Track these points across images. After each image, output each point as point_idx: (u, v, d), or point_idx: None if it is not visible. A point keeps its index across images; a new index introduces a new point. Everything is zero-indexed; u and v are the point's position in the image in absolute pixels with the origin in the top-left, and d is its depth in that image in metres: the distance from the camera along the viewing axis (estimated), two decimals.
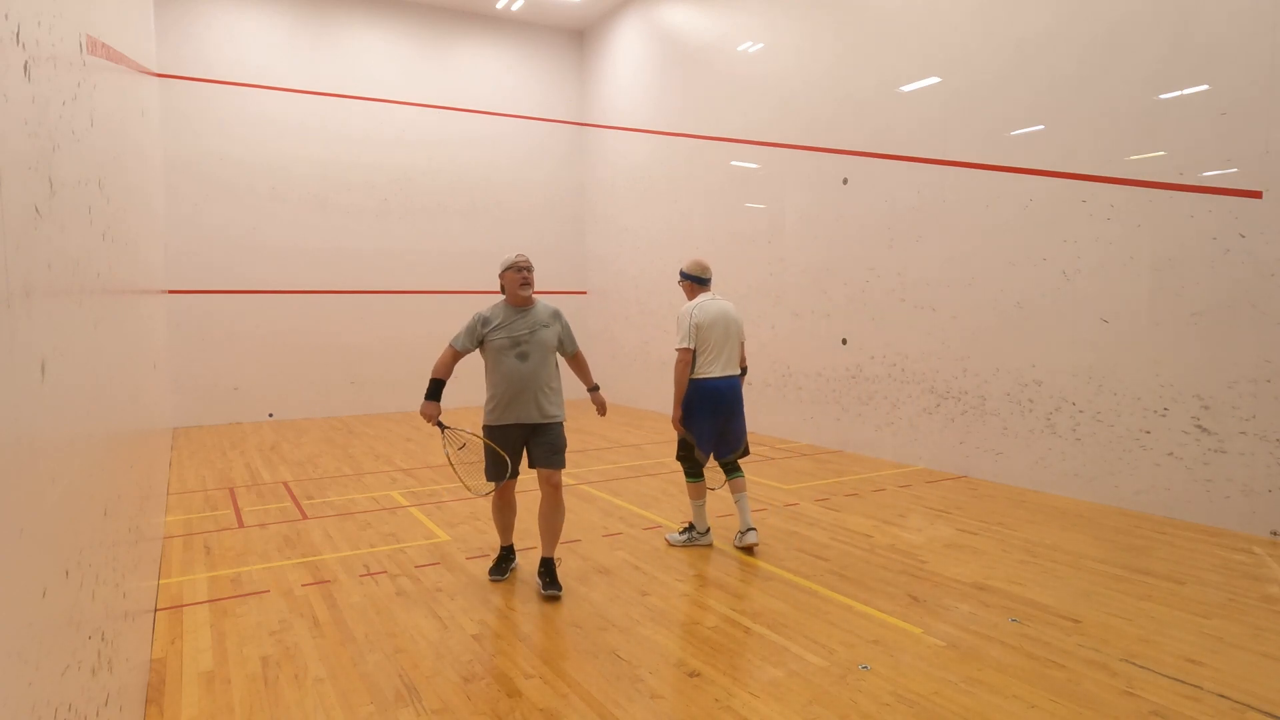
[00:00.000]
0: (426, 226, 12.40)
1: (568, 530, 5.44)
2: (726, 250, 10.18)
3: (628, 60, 12.28)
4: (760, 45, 9.46)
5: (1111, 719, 2.86)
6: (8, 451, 1.13)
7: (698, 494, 5.04)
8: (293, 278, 11.46)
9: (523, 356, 4.20)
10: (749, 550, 4.92)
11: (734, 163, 10.03)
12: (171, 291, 10.48)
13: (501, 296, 4.40)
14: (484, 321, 4.26)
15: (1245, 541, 5.01)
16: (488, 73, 12.79)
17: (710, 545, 5.08)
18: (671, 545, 5.09)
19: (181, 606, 4.10)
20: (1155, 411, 5.65)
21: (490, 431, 4.30)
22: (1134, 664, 3.30)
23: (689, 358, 4.88)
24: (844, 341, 8.41)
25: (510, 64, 12.98)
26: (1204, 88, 5.33)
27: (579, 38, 13.58)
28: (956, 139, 7.04)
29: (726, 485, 5.14)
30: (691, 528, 5.10)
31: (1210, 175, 5.32)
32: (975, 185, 6.89)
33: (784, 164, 9.13)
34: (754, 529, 4.94)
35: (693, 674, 3.26)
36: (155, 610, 4.04)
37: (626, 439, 9.36)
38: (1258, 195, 5.08)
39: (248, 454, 8.61)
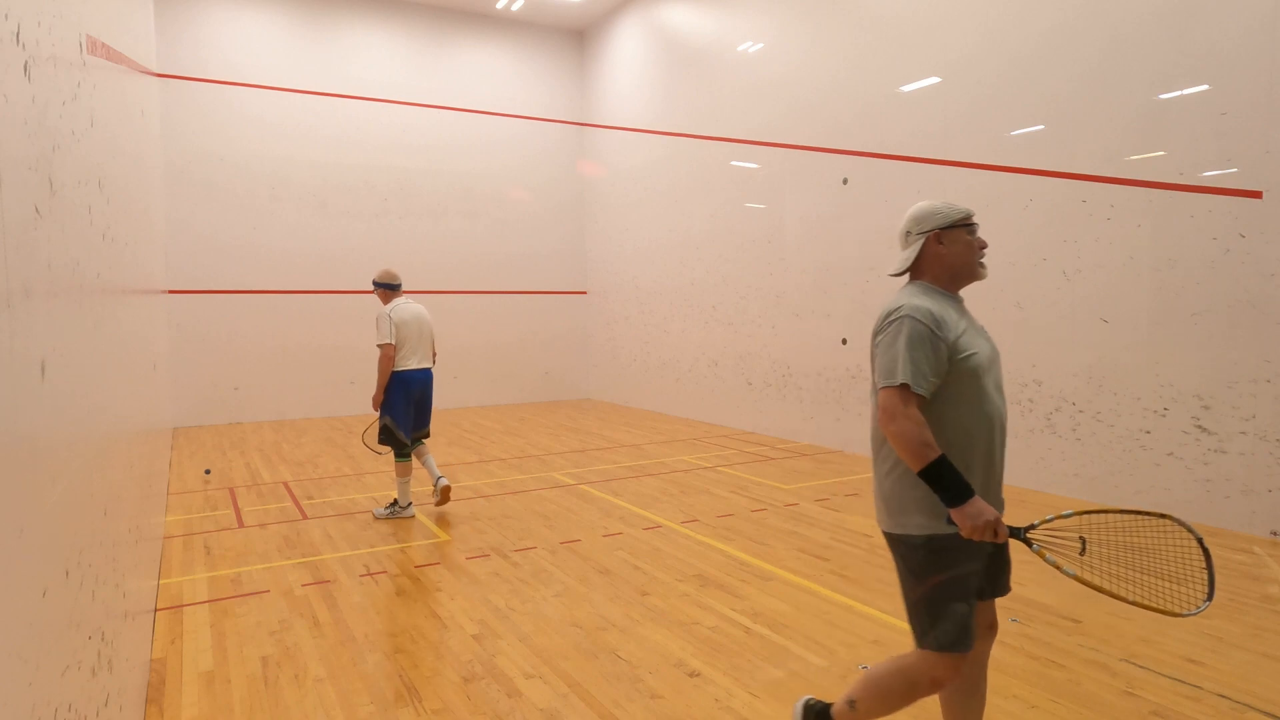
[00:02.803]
0: (426, 227, 12.40)
1: (568, 530, 5.45)
2: (726, 250, 10.18)
3: (628, 60, 12.28)
4: (760, 45, 9.46)
5: (1112, 719, 2.86)
6: (8, 451, 1.13)
7: (404, 472, 5.81)
8: (293, 278, 11.46)
9: (999, 387, 2.30)
10: (446, 494, 5.81)
11: (734, 163, 10.03)
12: (171, 292, 10.48)
13: (897, 281, 2.46)
14: (937, 323, 2.18)
15: (1245, 541, 5.01)
16: (488, 73, 12.79)
17: (412, 517, 5.82)
18: (378, 519, 5.80)
19: (181, 606, 4.10)
20: (1155, 411, 5.64)
21: (960, 544, 2.17)
22: (1134, 664, 3.30)
23: (392, 352, 5.67)
24: (844, 341, 8.41)
25: (510, 64, 12.98)
26: (1204, 88, 5.32)
27: (579, 38, 13.58)
28: (957, 139, 7.04)
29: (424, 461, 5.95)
30: (395, 503, 5.84)
31: (1210, 175, 5.32)
32: (975, 185, 6.88)
33: (784, 164, 9.13)
34: (443, 477, 5.88)
35: (693, 674, 3.26)
36: (155, 610, 4.04)
37: (626, 439, 9.36)
38: (1258, 195, 5.08)
39: (248, 454, 8.61)
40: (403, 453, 5.80)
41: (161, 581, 4.51)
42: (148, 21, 7.39)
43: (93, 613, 1.86)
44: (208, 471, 7.20)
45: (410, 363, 5.75)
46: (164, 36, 10.38)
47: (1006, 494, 6.34)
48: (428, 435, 6.04)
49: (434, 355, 6.01)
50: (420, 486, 6.62)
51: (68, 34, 1.94)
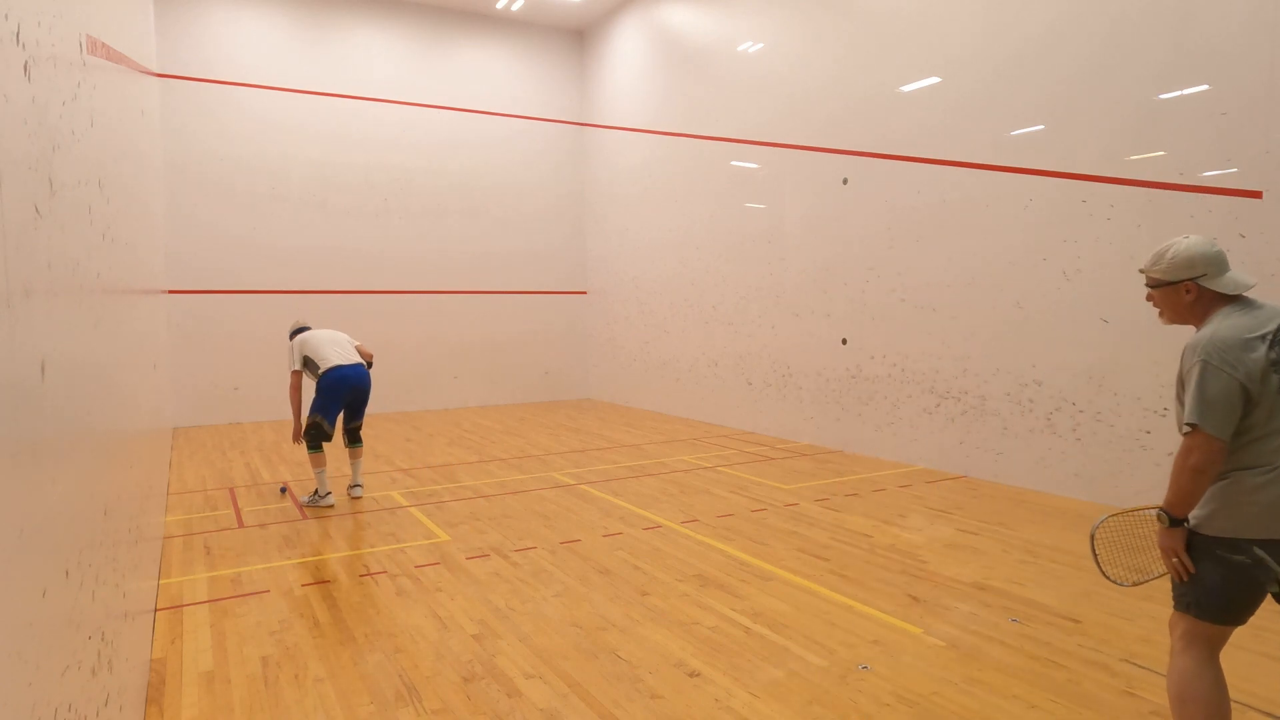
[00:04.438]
0: (426, 227, 12.39)
1: (567, 529, 5.45)
2: (727, 250, 10.18)
3: (627, 60, 12.27)
4: (760, 45, 9.45)
5: (1112, 719, 2.86)
6: (8, 451, 1.13)
7: (319, 463, 6.15)
8: (293, 278, 11.45)
9: None
10: (355, 501, 6.30)
11: (734, 163, 10.03)
12: (171, 291, 10.48)
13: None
14: None
15: None
16: (487, 73, 12.79)
17: (331, 505, 6.15)
18: (306, 505, 6.18)
19: (181, 606, 4.10)
20: (1155, 412, 5.64)
21: None
22: (1134, 664, 3.30)
23: (297, 380, 6.28)
24: (844, 341, 8.40)
25: (510, 64, 12.97)
26: (1204, 88, 5.32)
27: (579, 38, 13.58)
28: (957, 139, 7.04)
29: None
30: (316, 492, 6.20)
31: (1210, 175, 5.32)
32: (975, 185, 6.88)
33: (784, 164, 9.13)
34: (361, 485, 6.46)
35: (693, 674, 3.26)
36: (155, 610, 4.04)
37: (626, 439, 9.37)
38: (1258, 195, 5.08)
39: (248, 454, 8.61)
40: (317, 447, 6.13)
41: (161, 581, 4.51)
42: (148, 21, 7.39)
43: (93, 613, 1.86)
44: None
45: (332, 361, 6.11)
46: (164, 36, 10.37)
47: (1006, 494, 6.34)
48: (359, 425, 6.43)
49: (369, 357, 6.42)
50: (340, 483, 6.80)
51: (68, 34, 1.94)
